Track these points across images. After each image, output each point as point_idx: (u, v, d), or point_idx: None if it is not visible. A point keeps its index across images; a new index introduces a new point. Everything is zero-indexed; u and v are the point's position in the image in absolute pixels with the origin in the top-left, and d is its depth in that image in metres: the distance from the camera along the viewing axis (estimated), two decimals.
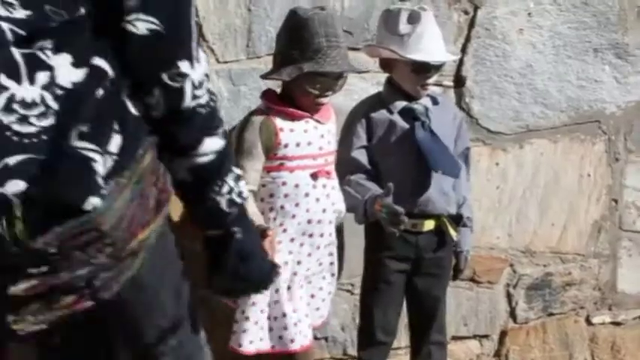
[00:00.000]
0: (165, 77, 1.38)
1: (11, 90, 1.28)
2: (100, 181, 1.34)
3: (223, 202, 1.49)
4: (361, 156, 3.35)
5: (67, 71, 1.29)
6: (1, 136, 1.28)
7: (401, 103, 3.34)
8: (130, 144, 1.37)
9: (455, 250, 3.47)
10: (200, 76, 1.42)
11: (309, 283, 3.29)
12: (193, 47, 1.40)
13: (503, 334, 4.33)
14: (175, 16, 1.36)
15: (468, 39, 4.04)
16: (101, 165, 1.34)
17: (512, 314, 4.33)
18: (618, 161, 4.38)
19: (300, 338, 3.22)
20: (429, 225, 3.39)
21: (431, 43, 3.26)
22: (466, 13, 4.03)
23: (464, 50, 4.03)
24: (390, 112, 3.35)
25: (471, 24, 4.04)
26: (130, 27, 1.33)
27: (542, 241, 4.31)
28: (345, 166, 3.32)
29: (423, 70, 3.27)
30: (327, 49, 3.07)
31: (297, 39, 3.09)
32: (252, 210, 3.04)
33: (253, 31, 3.77)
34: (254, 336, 3.18)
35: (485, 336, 4.31)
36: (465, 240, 3.49)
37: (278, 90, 3.28)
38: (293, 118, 3.18)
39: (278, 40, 3.22)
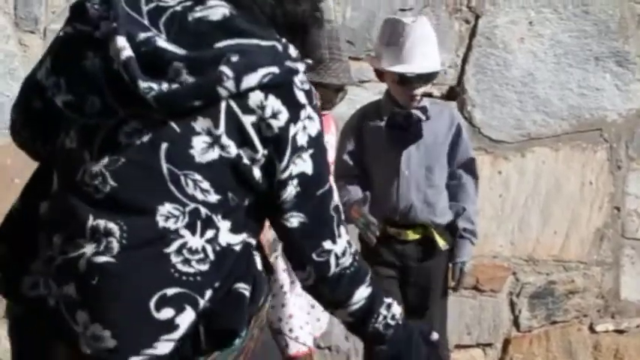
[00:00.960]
0: (314, 256, 1.75)
1: (185, 238, 1.65)
2: (247, 314, 1.74)
3: (381, 328, 1.85)
4: (351, 160, 3.38)
5: (226, 234, 1.68)
6: (168, 271, 1.64)
7: (395, 112, 3.36)
8: (257, 294, 1.75)
9: (450, 261, 3.45)
10: (342, 247, 1.77)
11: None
12: (334, 228, 1.77)
13: (506, 343, 4.33)
14: (320, 210, 1.75)
15: (469, 48, 4.06)
16: (247, 303, 1.73)
17: (516, 322, 4.33)
18: (620, 169, 4.38)
19: (296, 345, 3.22)
20: (415, 234, 3.40)
21: (413, 55, 3.26)
22: (467, 22, 4.05)
23: (465, 59, 4.05)
24: (382, 120, 3.37)
25: (472, 33, 4.05)
26: (285, 222, 1.73)
27: (545, 249, 4.31)
28: (336, 169, 3.34)
29: (407, 81, 3.28)
30: (329, 62, 3.11)
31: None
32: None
33: None
34: None
35: (489, 344, 4.31)
36: (461, 251, 3.43)
37: None
38: None
39: None
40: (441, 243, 3.40)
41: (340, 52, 3.15)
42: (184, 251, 1.66)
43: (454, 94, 3.89)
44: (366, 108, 3.48)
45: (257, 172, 1.69)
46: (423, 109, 3.37)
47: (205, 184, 1.66)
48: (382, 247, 3.36)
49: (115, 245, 1.64)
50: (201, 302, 1.67)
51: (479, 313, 4.26)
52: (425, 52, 3.29)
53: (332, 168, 3.28)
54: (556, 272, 4.34)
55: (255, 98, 1.65)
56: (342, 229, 1.80)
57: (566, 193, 4.30)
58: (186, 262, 1.66)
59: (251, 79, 1.63)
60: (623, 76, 4.30)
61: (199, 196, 1.66)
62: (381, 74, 3.38)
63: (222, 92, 1.62)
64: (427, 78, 3.31)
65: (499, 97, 4.10)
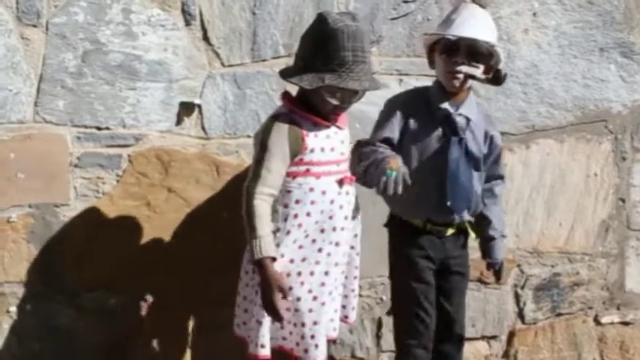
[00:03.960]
0: None
1: None
2: None
3: None
4: (390, 135, 3.33)
5: None
6: None
7: (445, 108, 3.32)
8: None
9: (489, 262, 3.58)
10: None
11: (330, 293, 3.29)
12: None
13: (511, 335, 4.32)
14: None
15: None
16: None
17: (521, 315, 4.32)
18: (625, 160, 4.37)
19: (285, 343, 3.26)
20: (452, 229, 3.45)
21: (461, 27, 3.27)
22: None
23: None
24: (431, 113, 3.32)
25: None
26: None
27: (550, 241, 4.30)
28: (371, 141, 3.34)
29: (451, 50, 3.26)
30: (351, 64, 3.03)
31: (322, 48, 3.04)
32: (272, 247, 3.07)
33: (258, 35, 3.76)
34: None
35: (494, 337, 4.31)
36: (497, 253, 3.58)
37: (293, 92, 3.27)
38: (315, 124, 3.16)
39: (302, 44, 3.16)
40: (474, 235, 3.52)
41: (364, 54, 3.06)
42: None
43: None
44: (410, 96, 3.43)
45: None
46: (472, 109, 3.40)
47: None
48: (422, 239, 3.40)
49: None
50: None
51: (483, 305, 4.25)
52: (473, 26, 3.27)
53: (336, 167, 3.26)
54: (561, 264, 4.33)
55: None
56: None
57: (571, 184, 4.29)
58: None
59: None
60: (628, 67, 4.28)
61: None
62: (432, 60, 3.37)
63: None
64: (471, 53, 3.27)
65: (503, 89, 4.08)
